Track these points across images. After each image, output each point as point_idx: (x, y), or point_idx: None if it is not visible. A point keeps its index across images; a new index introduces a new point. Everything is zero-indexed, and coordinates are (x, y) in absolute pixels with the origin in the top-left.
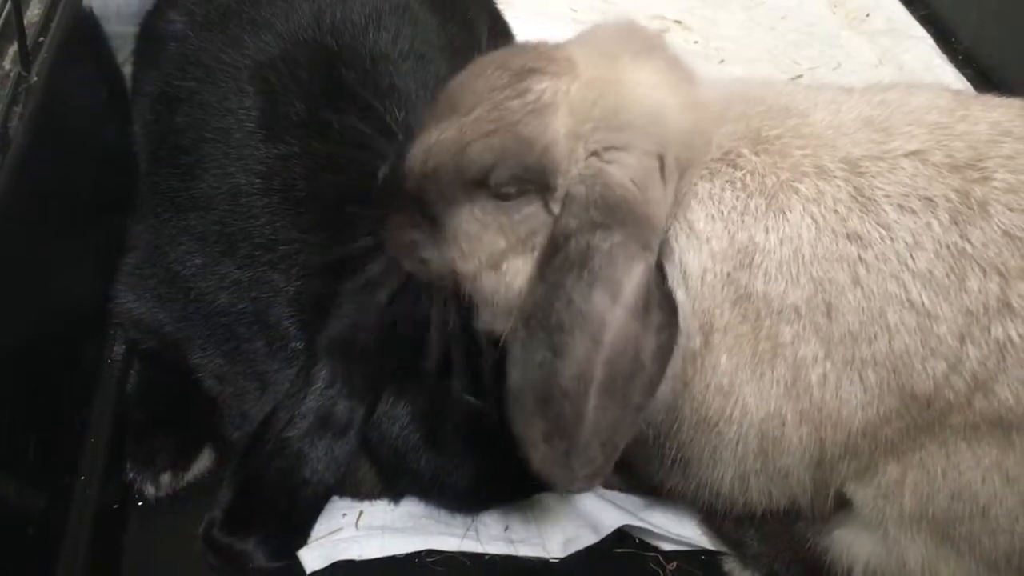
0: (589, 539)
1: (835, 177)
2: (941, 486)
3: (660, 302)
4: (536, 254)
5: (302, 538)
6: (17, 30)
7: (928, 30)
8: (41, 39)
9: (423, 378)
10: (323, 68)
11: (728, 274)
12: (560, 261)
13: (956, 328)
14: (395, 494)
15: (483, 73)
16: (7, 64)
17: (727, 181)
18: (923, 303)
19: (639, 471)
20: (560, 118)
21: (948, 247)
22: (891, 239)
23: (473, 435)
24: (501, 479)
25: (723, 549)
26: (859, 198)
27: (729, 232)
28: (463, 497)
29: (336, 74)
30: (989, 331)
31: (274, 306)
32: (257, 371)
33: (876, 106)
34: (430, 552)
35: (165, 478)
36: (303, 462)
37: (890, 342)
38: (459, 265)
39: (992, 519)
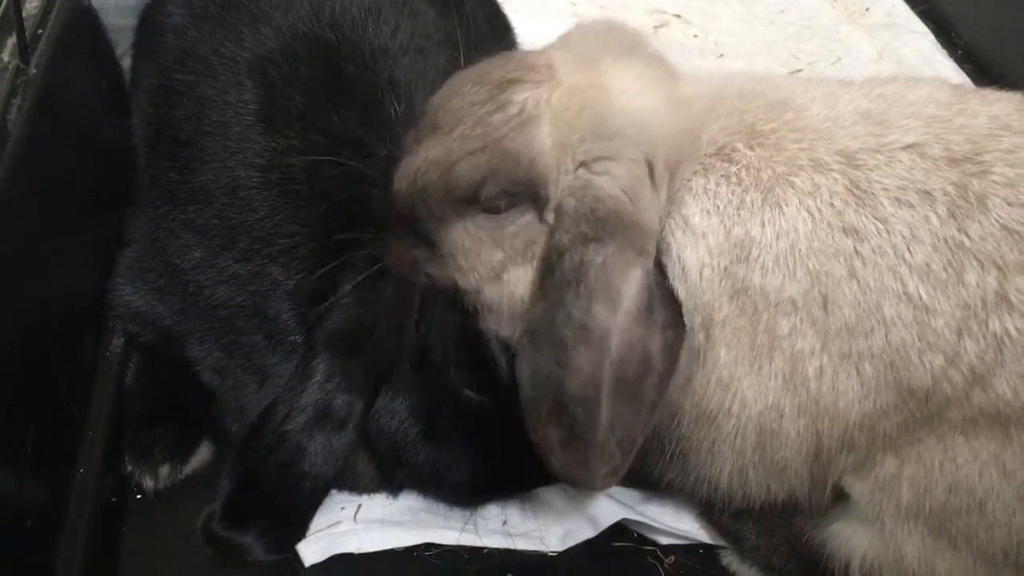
0: (587, 533)
1: (831, 170)
2: (938, 480)
3: (663, 300)
4: (537, 263)
5: (301, 531)
6: (16, 22)
7: (928, 25)
8: (40, 31)
9: (422, 372)
10: (322, 61)
11: (725, 268)
12: (557, 278)
13: (954, 322)
14: (394, 488)
15: (462, 89)
16: (5, 56)
17: (722, 176)
18: (920, 297)
19: (636, 465)
20: (544, 129)
21: (946, 241)
22: (888, 232)
23: (472, 429)
24: (499, 473)
25: (721, 543)
26: (856, 191)
27: (725, 227)
28: (461, 491)
29: (335, 67)
30: (987, 325)
31: (273, 300)
32: (256, 364)
33: (874, 99)
34: (428, 546)
35: (164, 471)
36: (302, 455)
37: (887, 335)
38: (459, 280)
39: (989, 513)
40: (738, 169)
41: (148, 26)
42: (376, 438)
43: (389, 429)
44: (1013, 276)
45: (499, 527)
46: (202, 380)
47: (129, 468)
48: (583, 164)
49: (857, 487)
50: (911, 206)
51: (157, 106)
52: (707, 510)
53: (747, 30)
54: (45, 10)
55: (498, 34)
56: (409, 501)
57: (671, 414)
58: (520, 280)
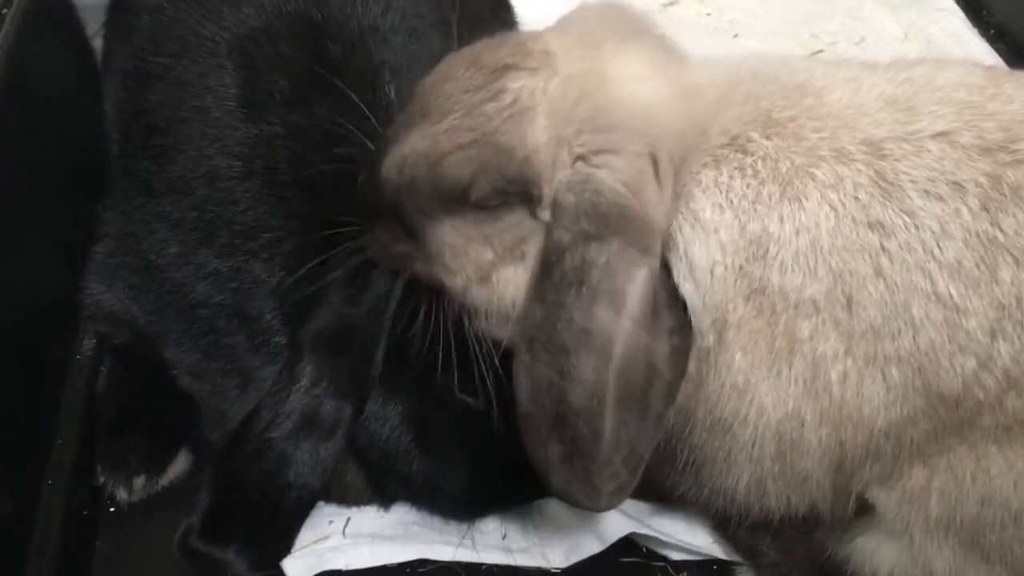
0: (593, 548)
1: (855, 161)
2: (970, 491)
3: (669, 303)
4: (527, 262)
5: (285, 546)
6: None
7: (958, 2)
8: (4, 11)
9: (415, 376)
10: (307, 42)
11: (740, 266)
12: (557, 279)
13: (986, 322)
14: (385, 500)
15: (455, 74)
16: None
17: (736, 168)
18: (951, 296)
19: (648, 476)
20: (540, 122)
21: (978, 235)
22: (916, 227)
23: (468, 437)
24: (499, 483)
25: (737, 559)
26: (881, 183)
27: (740, 222)
28: (458, 503)
29: (321, 48)
30: (1022, 326)
31: (255, 298)
32: (237, 367)
33: (900, 84)
34: (423, 562)
35: (138, 482)
36: (287, 465)
37: (915, 338)
38: (447, 280)
39: None
40: (753, 160)
41: (121, 4)
42: (366, 446)
43: (380, 436)
44: None
45: (498, 542)
46: (179, 384)
47: (101, 479)
48: (581, 158)
49: (883, 499)
50: (941, 199)
51: (131, 90)
52: (722, 524)
53: (763, 8)
54: None
55: (497, 14)
56: (401, 514)
57: (684, 422)
58: (510, 281)
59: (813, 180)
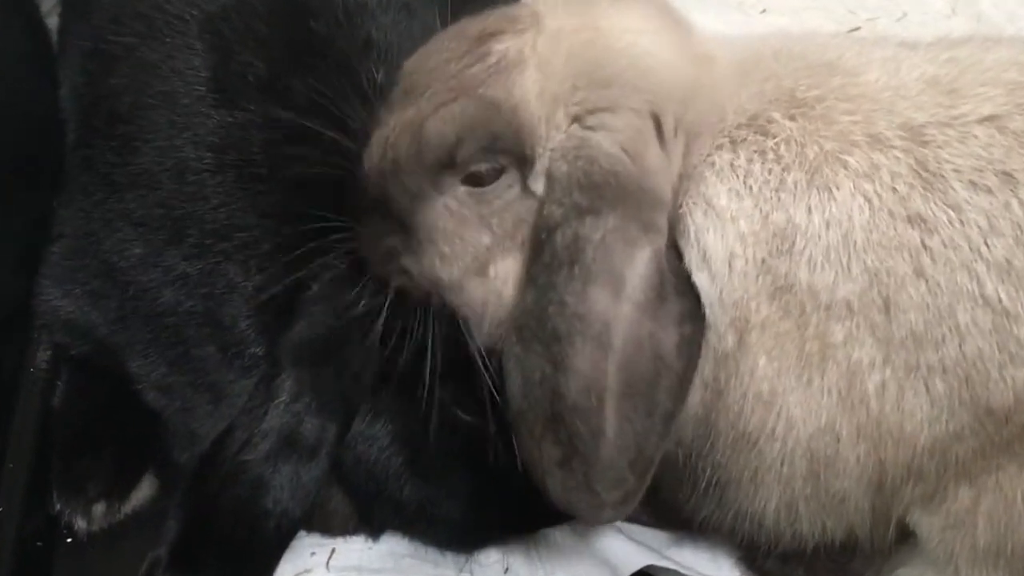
0: None
1: (893, 148)
2: (1021, 516)
3: (678, 288)
4: (527, 252)
5: None
6: None
7: None
8: None
9: (407, 390)
10: (287, 20)
11: (763, 260)
12: (547, 258)
13: None
14: (373, 529)
15: (438, 47)
16: None
17: (756, 151)
18: (1000, 299)
19: (665, 499)
20: (529, 75)
21: None
22: (961, 222)
23: (466, 458)
24: (500, 510)
25: None
26: (923, 173)
27: (761, 211)
28: (455, 532)
29: (302, 26)
30: None
31: (229, 304)
32: (208, 381)
33: (944, 64)
34: None
35: (98, 509)
36: (263, 490)
37: (960, 345)
38: (440, 272)
39: None
40: (776, 143)
41: None
42: (353, 469)
43: (368, 459)
44: None
45: (501, 575)
46: (144, 401)
47: (58, 506)
48: (576, 119)
49: (926, 523)
50: (989, 191)
51: (90, 74)
52: (749, 553)
53: None
54: None
55: None
56: (392, 545)
57: (704, 435)
58: (508, 274)
59: (845, 168)
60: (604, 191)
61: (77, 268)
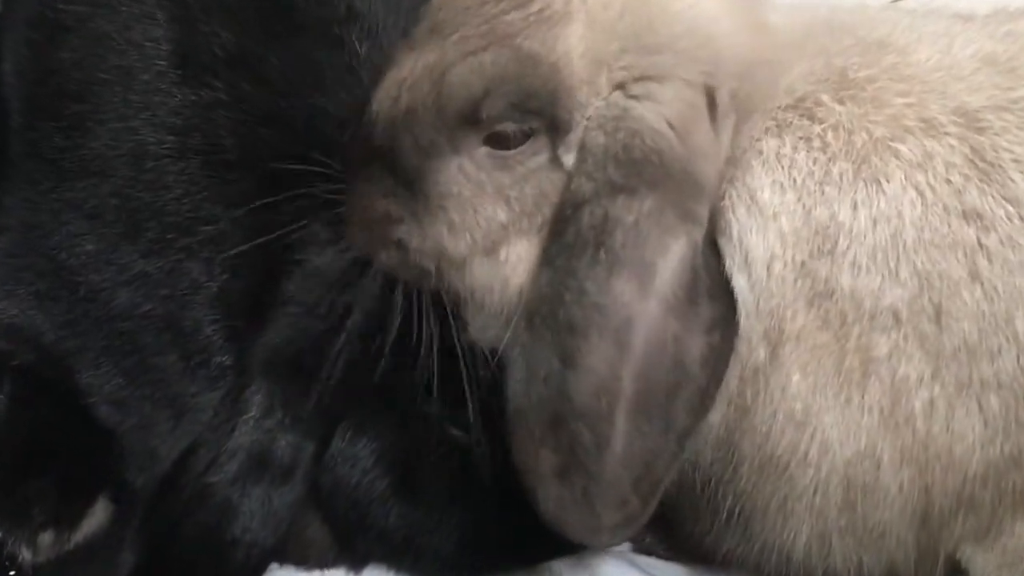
0: None
1: (947, 134)
2: None
3: (712, 291)
4: (544, 236)
5: None
6: None
7: None
8: None
9: (394, 404)
10: None
11: (803, 263)
12: (570, 238)
13: None
14: (356, 560)
15: None
16: None
17: (801, 138)
18: None
19: (684, 530)
20: (575, 30)
21: None
22: (1021, 218)
23: (459, 481)
24: (497, 540)
25: None
26: (979, 163)
27: (804, 206)
28: (446, 563)
29: None
30: None
31: (192, 307)
32: (169, 394)
33: (1001, 39)
34: None
35: (45, 538)
36: (231, 516)
37: (1019, 358)
38: (446, 245)
39: None
40: (823, 129)
41: None
42: (332, 493)
43: (349, 481)
44: None
45: None
46: (97, 416)
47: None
48: (620, 86)
49: (979, 561)
50: None
51: (36, 46)
52: None
53: None
54: None
55: None
56: None
57: (726, 459)
58: (520, 261)
59: (896, 157)
60: (643, 169)
61: (21, 266)
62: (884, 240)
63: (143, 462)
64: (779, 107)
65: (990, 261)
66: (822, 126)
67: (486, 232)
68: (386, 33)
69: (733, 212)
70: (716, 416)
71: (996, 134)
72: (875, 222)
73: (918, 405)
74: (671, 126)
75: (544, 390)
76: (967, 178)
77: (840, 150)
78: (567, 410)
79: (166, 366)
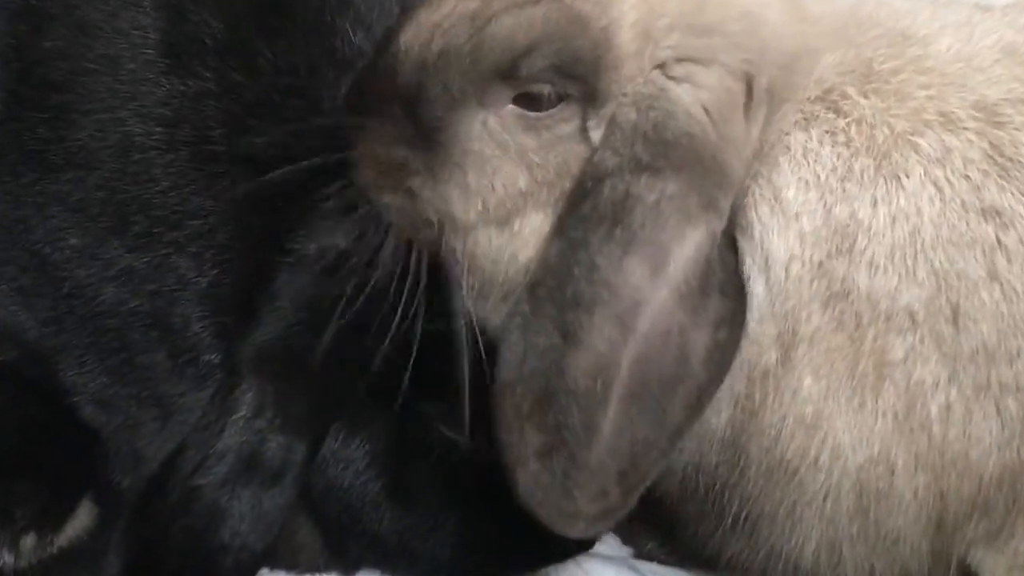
0: None
1: (966, 129)
2: None
3: (723, 287)
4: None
5: None
6: None
7: None
8: None
9: (388, 404)
10: None
11: (820, 263)
12: (587, 210)
13: None
14: (348, 565)
15: None
16: None
17: (826, 132)
18: None
19: (686, 534)
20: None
21: None
22: None
23: (455, 484)
24: (493, 544)
25: None
26: (998, 159)
27: (825, 205)
28: (440, 568)
29: None
30: None
31: (180, 303)
32: (156, 394)
33: (1022, 29)
34: None
35: (27, 542)
36: (220, 520)
37: None
38: (455, 206)
39: None
40: (847, 124)
41: None
42: (324, 496)
43: (342, 484)
44: None
45: None
46: (81, 416)
47: None
48: (661, 65)
49: (989, 563)
50: None
51: (20, 35)
52: None
53: None
54: None
55: None
56: None
57: (733, 462)
58: (532, 235)
59: (916, 152)
60: (672, 151)
61: (3, 261)
62: (902, 238)
63: (129, 463)
64: (808, 99)
65: (1009, 260)
66: (846, 120)
67: (501, 199)
68: (380, 21)
69: (756, 210)
70: (722, 417)
71: (1016, 129)
72: (894, 219)
73: (934, 409)
74: (707, 112)
75: (539, 363)
76: (986, 174)
77: (863, 145)
78: (559, 387)
79: (153, 364)
